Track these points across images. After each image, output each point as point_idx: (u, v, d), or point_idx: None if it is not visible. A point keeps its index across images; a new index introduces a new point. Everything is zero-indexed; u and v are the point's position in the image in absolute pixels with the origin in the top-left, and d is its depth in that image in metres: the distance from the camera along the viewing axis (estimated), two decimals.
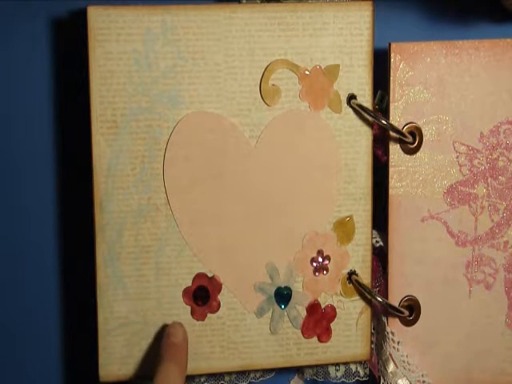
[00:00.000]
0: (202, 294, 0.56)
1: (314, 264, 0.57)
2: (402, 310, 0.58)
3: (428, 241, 0.58)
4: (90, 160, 0.54)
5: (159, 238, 0.55)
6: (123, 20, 0.53)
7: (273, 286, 0.57)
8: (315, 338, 0.58)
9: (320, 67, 0.56)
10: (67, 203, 0.58)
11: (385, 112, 0.58)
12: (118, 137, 0.54)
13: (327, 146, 0.57)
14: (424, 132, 0.58)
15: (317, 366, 0.60)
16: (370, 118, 0.57)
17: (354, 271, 0.58)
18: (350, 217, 0.57)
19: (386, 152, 0.58)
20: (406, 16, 0.60)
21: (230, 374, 0.59)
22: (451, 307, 0.59)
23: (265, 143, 0.56)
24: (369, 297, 0.58)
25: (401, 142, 0.58)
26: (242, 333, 0.57)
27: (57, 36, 0.57)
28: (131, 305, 0.56)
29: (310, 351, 0.58)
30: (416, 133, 0.58)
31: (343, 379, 0.60)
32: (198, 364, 0.57)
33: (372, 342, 0.59)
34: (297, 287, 0.57)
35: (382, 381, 0.59)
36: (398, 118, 0.57)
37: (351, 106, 0.56)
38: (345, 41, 0.56)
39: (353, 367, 0.60)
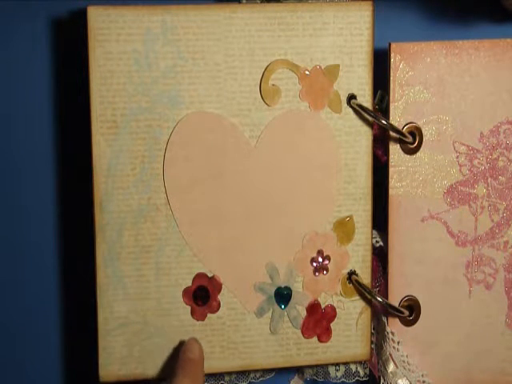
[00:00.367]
0: (202, 294, 0.56)
1: (314, 264, 0.57)
2: (402, 310, 0.58)
3: (428, 241, 0.58)
4: (90, 160, 0.54)
5: (159, 238, 0.55)
6: (123, 20, 0.53)
7: (273, 286, 0.57)
8: (315, 338, 0.58)
9: (320, 67, 0.56)
10: (67, 203, 0.58)
11: (385, 112, 0.58)
12: (118, 137, 0.54)
13: (327, 146, 0.57)
14: (424, 132, 0.58)
15: (317, 366, 0.60)
16: (370, 118, 0.57)
17: (354, 271, 0.58)
18: (350, 217, 0.57)
19: (386, 152, 0.58)
20: (406, 16, 0.60)
21: (230, 374, 0.59)
22: (451, 307, 0.59)
23: (265, 143, 0.56)
24: (369, 297, 0.58)
25: (401, 141, 0.58)
26: (242, 333, 0.57)
27: (57, 36, 0.57)
28: (131, 305, 0.56)
29: (310, 351, 0.58)
30: (416, 133, 0.58)
31: (343, 379, 0.60)
32: None
33: (372, 342, 0.59)
34: (297, 287, 0.57)
35: (381, 381, 0.59)
36: (398, 117, 0.57)
37: (351, 106, 0.56)
38: (345, 41, 0.56)
39: (353, 367, 0.60)
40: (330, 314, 0.58)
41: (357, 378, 0.60)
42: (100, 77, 0.54)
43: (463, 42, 0.58)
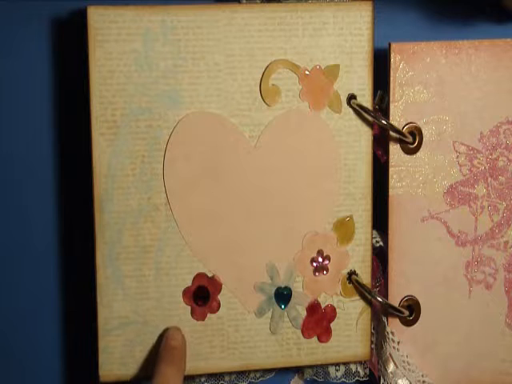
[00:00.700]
0: (202, 294, 0.56)
1: (314, 264, 0.57)
2: (402, 310, 0.58)
3: (428, 241, 0.58)
4: (90, 160, 0.54)
5: (159, 238, 0.55)
6: (123, 20, 0.53)
7: (273, 286, 0.57)
8: (315, 338, 0.58)
9: (320, 67, 0.56)
10: (67, 203, 0.58)
11: (385, 112, 0.58)
12: (118, 137, 0.54)
13: (327, 146, 0.57)
14: (424, 132, 0.58)
15: (317, 366, 0.60)
16: (370, 118, 0.57)
17: (354, 271, 0.58)
18: (350, 217, 0.57)
19: (386, 152, 0.58)
20: (406, 16, 0.60)
21: (230, 374, 0.59)
22: (451, 307, 0.59)
23: (265, 143, 0.56)
24: (369, 297, 0.58)
25: (401, 141, 0.58)
26: (242, 333, 0.57)
27: (57, 36, 0.57)
28: (131, 305, 0.56)
29: (310, 351, 0.58)
30: (416, 133, 0.58)
31: (343, 379, 0.60)
32: (197, 364, 0.57)
33: (372, 342, 0.59)
34: (297, 287, 0.57)
35: (381, 381, 0.59)
36: (398, 117, 0.57)
37: (351, 106, 0.56)
38: (345, 41, 0.56)
39: (353, 367, 0.60)
40: (330, 314, 0.58)
41: (357, 378, 0.60)
42: (100, 77, 0.54)
43: (463, 42, 0.58)
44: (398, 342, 0.58)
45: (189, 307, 0.56)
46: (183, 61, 0.54)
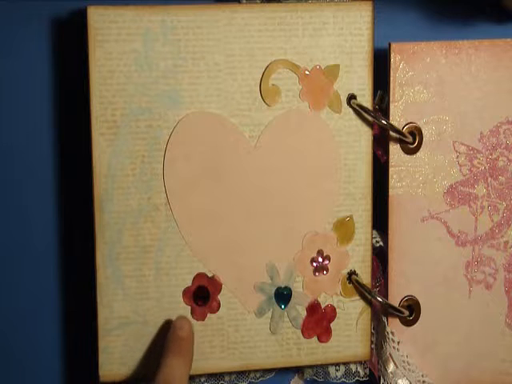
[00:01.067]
0: (202, 294, 0.56)
1: (314, 264, 0.57)
2: (402, 310, 0.58)
3: (428, 241, 0.58)
4: (90, 160, 0.54)
5: (159, 238, 0.55)
6: (123, 20, 0.53)
7: (273, 286, 0.57)
8: (315, 338, 0.58)
9: (320, 67, 0.56)
10: (67, 203, 0.58)
11: (385, 112, 0.58)
12: (118, 137, 0.54)
13: (327, 146, 0.57)
14: (424, 132, 0.58)
15: (317, 366, 0.60)
16: (370, 118, 0.57)
17: (354, 271, 0.58)
18: (350, 217, 0.57)
19: (386, 152, 0.58)
20: (406, 16, 0.60)
21: (230, 374, 0.59)
22: (451, 307, 0.59)
23: (265, 143, 0.56)
24: (369, 297, 0.58)
25: (401, 141, 0.58)
26: (242, 333, 0.57)
27: (57, 36, 0.57)
28: (131, 305, 0.56)
29: (310, 351, 0.58)
30: (416, 133, 0.58)
31: (343, 379, 0.60)
32: (197, 364, 0.57)
33: (372, 342, 0.59)
34: (297, 287, 0.57)
35: (381, 381, 0.59)
36: (398, 117, 0.57)
37: (351, 106, 0.56)
38: (345, 41, 0.56)
39: (353, 367, 0.60)
40: (330, 314, 0.58)
41: (357, 378, 0.60)
42: (100, 77, 0.54)
43: (463, 42, 0.58)
44: (398, 342, 0.58)
45: (189, 307, 0.56)
46: (183, 61, 0.54)
